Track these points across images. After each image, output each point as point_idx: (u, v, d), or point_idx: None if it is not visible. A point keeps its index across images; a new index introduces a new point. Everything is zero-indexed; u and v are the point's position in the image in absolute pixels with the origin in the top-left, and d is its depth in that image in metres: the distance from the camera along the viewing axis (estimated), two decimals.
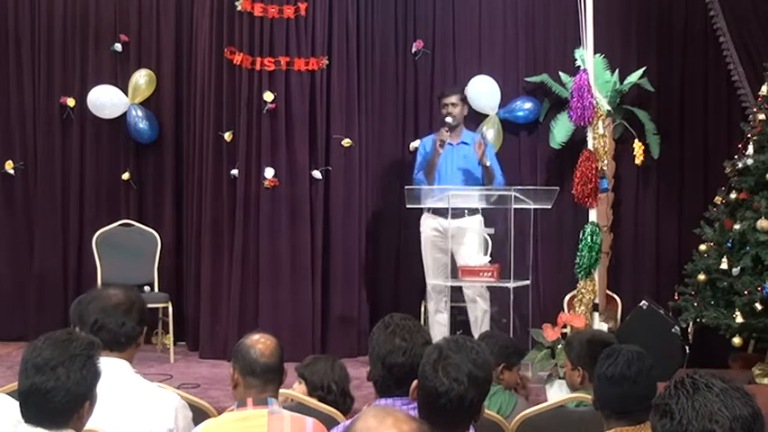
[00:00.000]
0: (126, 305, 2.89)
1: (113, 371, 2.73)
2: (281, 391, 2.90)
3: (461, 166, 5.99)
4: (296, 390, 3.43)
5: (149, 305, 6.49)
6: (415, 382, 2.39)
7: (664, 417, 1.67)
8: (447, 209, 5.70)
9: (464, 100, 6.12)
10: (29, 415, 2.27)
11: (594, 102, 5.22)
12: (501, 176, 6.03)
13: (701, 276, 5.62)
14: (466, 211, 5.84)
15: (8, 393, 2.76)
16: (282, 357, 2.81)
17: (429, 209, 5.87)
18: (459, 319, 6.08)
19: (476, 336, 5.50)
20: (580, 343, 3.61)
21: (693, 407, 1.63)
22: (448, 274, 5.80)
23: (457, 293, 5.98)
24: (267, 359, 2.74)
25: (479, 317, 5.83)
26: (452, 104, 6.00)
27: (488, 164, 5.90)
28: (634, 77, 6.68)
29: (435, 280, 5.88)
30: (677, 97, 6.87)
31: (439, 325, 5.88)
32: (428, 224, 5.95)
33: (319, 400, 3.30)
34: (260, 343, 2.77)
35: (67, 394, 2.24)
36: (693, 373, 1.71)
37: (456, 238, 5.85)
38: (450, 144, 5.95)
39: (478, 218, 5.92)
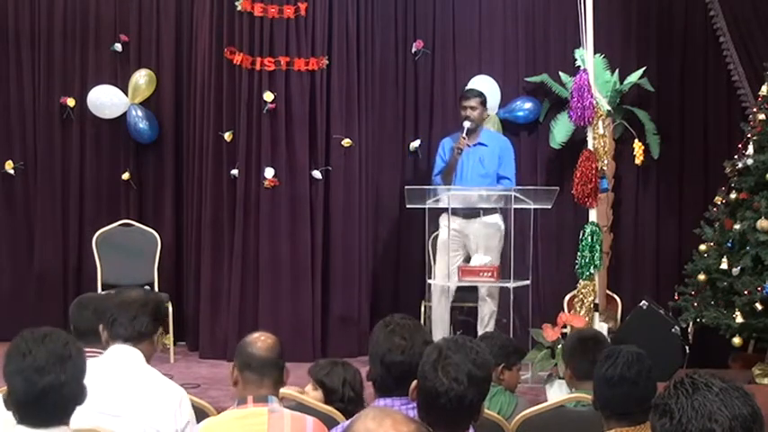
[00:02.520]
0: (141, 302, 3.02)
1: (124, 357, 2.90)
2: (282, 390, 2.91)
3: (477, 167, 6.00)
4: (310, 394, 3.41)
5: None
6: (414, 382, 2.39)
7: (663, 416, 1.67)
8: (462, 209, 5.74)
9: (483, 102, 6.12)
10: (31, 417, 2.25)
11: (594, 102, 5.22)
12: (512, 183, 6.06)
13: (701, 276, 5.63)
14: (481, 210, 5.85)
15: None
16: (281, 354, 2.82)
17: (448, 209, 5.87)
18: (459, 318, 6.09)
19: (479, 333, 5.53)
20: (570, 339, 3.64)
21: (693, 406, 1.63)
22: (459, 274, 5.81)
23: (459, 293, 5.99)
24: (263, 353, 2.77)
25: (487, 315, 5.85)
26: (471, 108, 6.01)
27: None
28: (634, 77, 6.69)
29: (444, 280, 5.87)
30: (677, 97, 6.87)
31: (442, 324, 5.88)
32: (445, 224, 5.94)
33: (336, 409, 3.29)
34: (259, 340, 2.82)
35: (78, 383, 2.28)
36: (693, 372, 1.71)
37: (472, 239, 5.87)
38: (468, 145, 5.97)
39: (496, 216, 5.92)
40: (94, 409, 2.63)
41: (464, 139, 5.92)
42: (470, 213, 5.86)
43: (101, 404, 2.70)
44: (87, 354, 3.34)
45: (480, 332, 5.69)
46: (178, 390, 2.93)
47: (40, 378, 2.22)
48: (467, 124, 5.95)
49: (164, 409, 2.82)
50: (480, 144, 6.06)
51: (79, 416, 2.42)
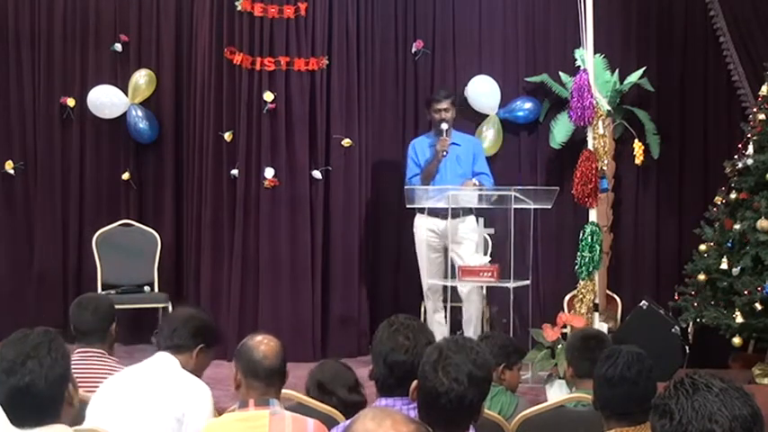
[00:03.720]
0: (185, 318, 3.25)
1: (159, 361, 3.09)
2: (282, 391, 2.91)
3: (455, 167, 6.00)
4: None
5: (149, 305, 6.51)
6: (414, 383, 2.39)
7: (663, 417, 1.67)
8: (441, 209, 5.73)
9: (454, 102, 6.10)
10: (18, 419, 2.26)
11: (594, 102, 5.22)
12: (490, 178, 6.05)
13: (701, 276, 5.63)
14: (461, 211, 5.85)
15: None
16: (285, 359, 2.82)
17: (422, 209, 5.87)
18: (458, 318, 6.08)
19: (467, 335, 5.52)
20: (573, 337, 3.65)
21: (693, 407, 1.63)
22: (443, 273, 5.81)
23: (455, 293, 5.98)
24: (270, 361, 2.75)
25: (473, 315, 5.84)
26: (445, 110, 5.98)
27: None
28: (634, 77, 6.69)
29: (431, 280, 5.89)
30: (677, 97, 6.87)
31: (438, 324, 5.88)
32: (422, 225, 5.95)
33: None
34: (263, 344, 2.79)
35: (47, 380, 2.26)
36: (693, 373, 1.70)
37: (452, 239, 5.86)
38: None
39: (472, 218, 5.93)
40: (119, 400, 2.90)
41: (446, 140, 5.89)
42: (451, 214, 5.82)
43: (126, 397, 2.94)
44: (88, 353, 3.38)
45: (467, 333, 5.66)
46: (200, 386, 3.06)
47: (7, 379, 2.25)
48: (444, 126, 5.91)
49: (180, 399, 2.95)
50: (454, 144, 6.03)
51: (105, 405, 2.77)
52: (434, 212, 5.82)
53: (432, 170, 5.97)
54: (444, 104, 5.98)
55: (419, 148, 6.12)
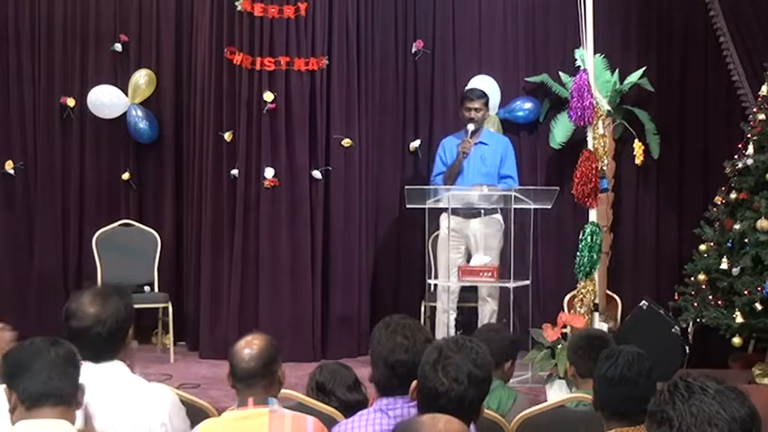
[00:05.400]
0: (96, 320, 2.74)
1: (107, 373, 2.69)
2: (282, 391, 2.91)
3: (479, 166, 6.01)
4: None
5: (149, 305, 6.50)
6: (414, 383, 2.40)
7: (662, 424, 1.64)
8: (462, 208, 5.77)
9: (486, 103, 6.15)
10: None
11: (594, 102, 5.22)
12: (515, 182, 6.07)
13: (701, 276, 5.63)
14: (482, 210, 5.86)
15: None
16: (268, 360, 2.76)
17: (448, 208, 5.87)
18: (459, 318, 6.08)
19: None
20: (577, 336, 3.66)
21: (691, 412, 1.61)
22: (459, 274, 5.81)
23: (460, 293, 5.98)
24: (247, 364, 2.74)
25: (487, 315, 5.85)
26: (476, 109, 6.02)
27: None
28: (634, 77, 6.69)
29: (447, 280, 5.87)
30: (677, 97, 6.87)
31: (443, 325, 5.88)
32: (446, 224, 5.95)
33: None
34: (245, 347, 2.78)
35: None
36: (686, 375, 1.69)
37: (472, 238, 5.87)
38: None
39: (489, 218, 5.93)
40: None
41: (469, 141, 5.93)
42: (471, 213, 5.87)
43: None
44: None
45: None
46: (167, 392, 2.80)
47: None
48: (471, 127, 5.96)
49: (154, 412, 2.70)
50: (481, 143, 6.07)
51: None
52: (456, 211, 5.83)
53: (454, 170, 6.02)
54: (477, 104, 6.03)
55: (448, 147, 6.17)
